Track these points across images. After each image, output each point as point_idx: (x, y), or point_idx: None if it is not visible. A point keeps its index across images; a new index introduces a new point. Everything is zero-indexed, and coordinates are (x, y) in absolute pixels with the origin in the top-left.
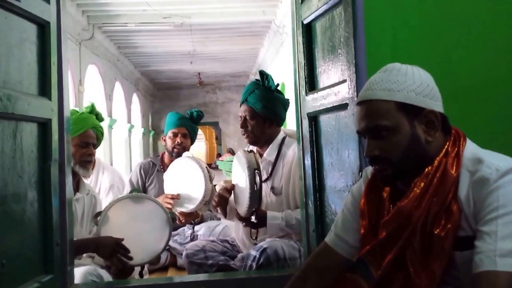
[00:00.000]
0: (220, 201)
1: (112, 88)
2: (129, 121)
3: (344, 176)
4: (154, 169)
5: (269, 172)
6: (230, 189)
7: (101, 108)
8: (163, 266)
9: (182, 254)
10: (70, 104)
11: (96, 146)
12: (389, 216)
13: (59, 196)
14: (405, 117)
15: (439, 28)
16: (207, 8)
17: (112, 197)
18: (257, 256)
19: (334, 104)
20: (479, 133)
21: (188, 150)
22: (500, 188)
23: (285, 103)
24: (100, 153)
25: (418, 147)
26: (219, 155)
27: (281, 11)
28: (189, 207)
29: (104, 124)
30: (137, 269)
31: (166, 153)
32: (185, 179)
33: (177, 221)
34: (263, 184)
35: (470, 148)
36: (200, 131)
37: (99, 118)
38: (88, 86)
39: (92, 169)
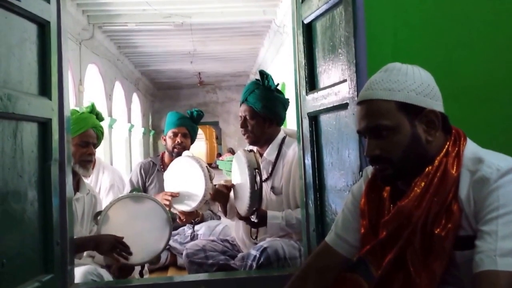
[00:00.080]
0: (216, 195)
1: (112, 87)
2: (129, 120)
3: (345, 175)
4: (154, 168)
5: (269, 171)
6: (229, 186)
7: (101, 108)
8: (163, 265)
9: (182, 254)
10: (70, 103)
11: (96, 145)
12: (390, 216)
13: (59, 195)
14: (406, 117)
15: (439, 27)
16: (207, 8)
17: (112, 197)
18: (258, 255)
19: (335, 104)
20: (480, 133)
21: (188, 149)
22: (500, 188)
23: (285, 103)
24: (100, 152)
25: (418, 146)
26: (219, 154)
27: (281, 11)
28: (189, 206)
29: (104, 124)
30: (137, 268)
31: (166, 153)
32: (186, 178)
33: (177, 221)
34: (263, 184)
35: (471, 148)
36: (200, 131)
37: (99, 117)
38: (88, 86)
39: (93, 168)
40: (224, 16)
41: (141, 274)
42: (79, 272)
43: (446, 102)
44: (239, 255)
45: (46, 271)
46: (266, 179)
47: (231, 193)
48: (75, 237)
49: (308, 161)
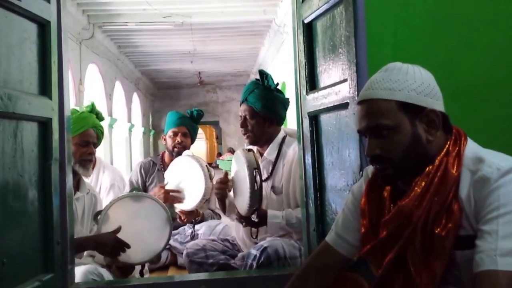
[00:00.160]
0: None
1: (112, 87)
2: (129, 120)
3: (345, 175)
4: (154, 168)
5: (270, 171)
6: (226, 179)
7: (102, 108)
8: (163, 265)
9: (182, 253)
10: (71, 103)
11: (96, 145)
12: (390, 215)
13: (59, 195)
14: (406, 117)
15: (440, 27)
16: (207, 8)
17: (112, 196)
18: (258, 255)
19: (335, 104)
20: (480, 132)
21: (188, 149)
22: (501, 187)
23: (285, 102)
24: (100, 152)
25: (419, 146)
26: (219, 154)
27: (281, 10)
28: (189, 205)
29: (105, 124)
30: (138, 268)
31: (167, 152)
32: (186, 178)
33: (177, 220)
34: (264, 183)
35: (471, 148)
36: (200, 130)
37: (99, 117)
38: (89, 85)
39: (93, 168)
40: (224, 15)
41: (141, 273)
42: (79, 272)
43: (446, 101)
44: (240, 254)
45: (47, 270)
46: (267, 179)
47: (230, 193)
48: (75, 236)
49: (309, 160)
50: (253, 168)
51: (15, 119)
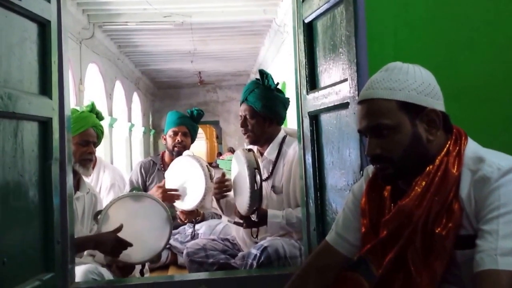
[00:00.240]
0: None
1: (112, 87)
2: (129, 120)
3: (345, 175)
4: (154, 168)
5: (270, 171)
6: (223, 178)
7: (102, 107)
8: (164, 264)
9: (182, 253)
10: (71, 103)
11: (96, 144)
12: (390, 215)
13: (59, 194)
14: (407, 116)
15: (440, 27)
16: (207, 7)
17: (113, 196)
18: (258, 254)
19: (335, 103)
20: (480, 132)
21: (188, 148)
22: (501, 187)
23: (285, 102)
24: (100, 152)
25: (419, 146)
26: (219, 154)
27: (281, 10)
28: (190, 205)
29: (105, 123)
30: (138, 267)
31: (167, 152)
32: (186, 178)
33: (178, 220)
34: (264, 183)
35: (472, 147)
36: (200, 130)
37: (99, 117)
38: (89, 85)
39: (93, 168)
40: (224, 15)
41: (141, 273)
42: (79, 271)
43: (446, 101)
44: (240, 254)
45: (47, 269)
46: (267, 178)
47: (230, 193)
48: (75, 236)
49: (309, 160)
50: (253, 168)
51: (16, 119)
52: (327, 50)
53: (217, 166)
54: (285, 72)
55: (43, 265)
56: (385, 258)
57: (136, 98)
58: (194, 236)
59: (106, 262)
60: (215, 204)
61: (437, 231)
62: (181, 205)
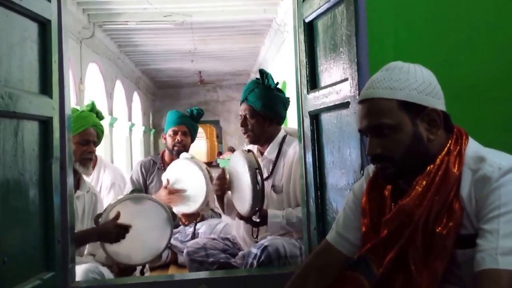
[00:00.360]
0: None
1: (112, 86)
2: (129, 119)
3: (346, 174)
4: (154, 167)
5: (270, 170)
6: (223, 176)
7: (102, 107)
8: (164, 263)
9: (183, 252)
10: (71, 102)
11: (96, 144)
12: (391, 214)
13: (60, 193)
14: (407, 116)
15: (440, 26)
16: (208, 7)
17: (113, 195)
18: (258, 254)
19: (336, 103)
20: (481, 131)
21: (188, 147)
22: (502, 187)
23: (285, 102)
24: (101, 151)
25: (420, 145)
26: (220, 153)
27: (282, 10)
28: (191, 208)
29: (105, 123)
30: (139, 267)
31: (167, 151)
32: (186, 181)
33: (179, 222)
34: (264, 183)
35: (472, 147)
36: (200, 129)
37: (99, 116)
38: (89, 85)
39: (93, 167)
40: (224, 14)
41: (142, 272)
42: (80, 270)
43: (447, 101)
44: (240, 253)
45: (47, 269)
46: (267, 178)
47: (229, 192)
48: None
49: (309, 159)
50: (255, 169)
51: (16, 118)
52: (328, 50)
53: (217, 166)
54: (285, 71)
55: (43, 264)
56: (385, 257)
57: (136, 97)
58: (194, 235)
59: (106, 261)
60: (216, 203)
61: (437, 230)
62: (182, 209)
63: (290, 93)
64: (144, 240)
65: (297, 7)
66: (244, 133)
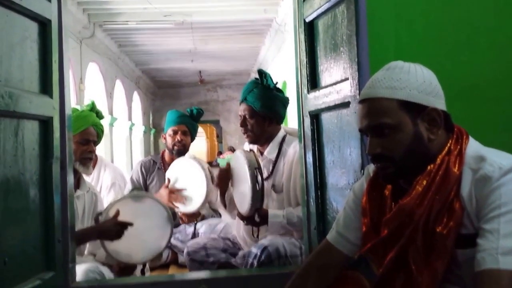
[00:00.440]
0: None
1: (113, 86)
2: (130, 119)
3: (346, 174)
4: (154, 167)
5: (270, 170)
6: (226, 169)
7: (102, 106)
8: (164, 263)
9: (183, 252)
10: (71, 102)
11: (96, 143)
12: (391, 214)
13: (60, 193)
14: (408, 115)
15: (441, 26)
16: (208, 6)
17: (113, 195)
18: (258, 253)
19: (336, 102)
20: (482, 131)
21: (188, 147)
22: (502, 186)
23: (285, 101)
24: (101, 151)
25: (420, 145)
26: (220, 153)
27: (282, 9)
28: (191, 207)
29: (105, 122)
30: (139, 266)
31: (167, 151)
32: (187, 180)
33: (179, 221)
34: (264, 182)
35: (473, 146)
36: (201, 129)
37: (99, 116)
38: (89, 84)
39: (93, 166)
40: (224, 14)
41: (142, 272)
42: (80, 270)
43: (447, 100)
44: (240, 253)
45: (48, 268)
46: (267, 178)
47: (231, 189)
48: None
49: (310, 159)
50: (254, 168)
51: (16, 118)
52: (328, 49)
53: (217, 165)
54: (285, 71)
55: (44, 264)
56: (386, 257)
57: (136, 97)
58: (194, 235)
59: (107, 262)
60: (218, 200)
61: (438, 230)
62: (183, 208)
63: (291, 93)
64: (144, 239)
65: (298, 6)
66: (244, 133)
